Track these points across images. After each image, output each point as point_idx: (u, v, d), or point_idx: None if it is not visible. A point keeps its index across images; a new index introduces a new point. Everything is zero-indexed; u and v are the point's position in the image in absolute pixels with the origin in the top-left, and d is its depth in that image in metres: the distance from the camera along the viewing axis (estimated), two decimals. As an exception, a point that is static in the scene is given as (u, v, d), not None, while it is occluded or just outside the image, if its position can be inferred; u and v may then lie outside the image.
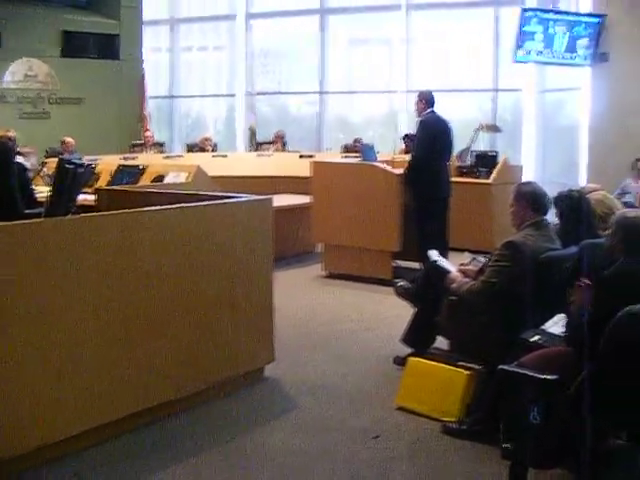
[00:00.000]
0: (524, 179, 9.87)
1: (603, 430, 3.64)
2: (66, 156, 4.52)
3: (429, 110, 8.04)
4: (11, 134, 8.05)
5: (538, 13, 10.42)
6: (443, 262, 5.26)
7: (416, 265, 7.99)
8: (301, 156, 11.66)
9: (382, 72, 14.68)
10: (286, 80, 16.19)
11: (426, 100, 8.09)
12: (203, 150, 12.48)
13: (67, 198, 4.22)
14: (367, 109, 14.88)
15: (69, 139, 11.94)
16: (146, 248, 4.31)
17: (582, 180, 10.27)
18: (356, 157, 10.05)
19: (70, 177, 4.22)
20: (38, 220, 3.99)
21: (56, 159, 10.31)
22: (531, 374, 3.45)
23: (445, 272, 5.06)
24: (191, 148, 12.86)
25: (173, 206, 4.57)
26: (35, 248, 3.77)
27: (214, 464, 4.04)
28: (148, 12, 15.27)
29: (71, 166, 4.20)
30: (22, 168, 6.82)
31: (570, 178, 10.53)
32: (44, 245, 3.81)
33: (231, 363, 4.92)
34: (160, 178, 8.13)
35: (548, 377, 3.37)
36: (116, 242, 4.14)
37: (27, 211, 6.34)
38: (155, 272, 4.36)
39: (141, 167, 8.48)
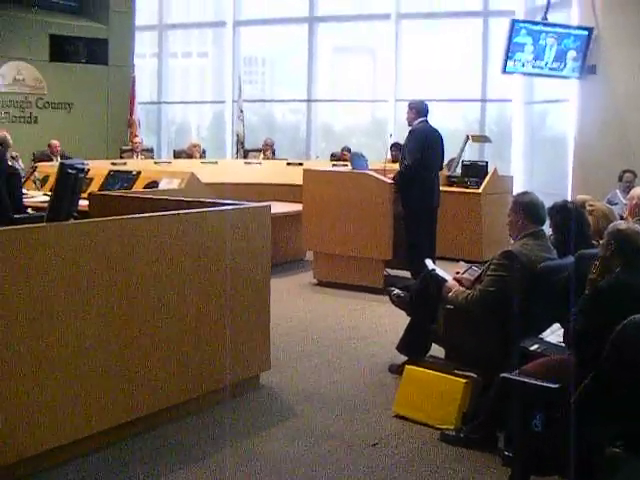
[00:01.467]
0: (514, 189, 9.95)
1: (602, 439, 3.68)
2: (67, 160, 4.51)
3: (420, 119, 8.09)
4: (6, 135, 7.68)
5: (528, 25, 10.50)
6: (439, 271, 5.29)
7: (406, 274, 8.03)
8: (289, 164, 11.71)
9: (367, 81, 14.77)
10: (271, 88, 16.25)
11: (417, 109, 8.14)
12: (190, 157, 12.48)
13: (69, 203, 4.21)
14: (350, 118, 14.95)
15: (54, 141, 11.99)
16: (148, 254, 4.30)
17: (570, 191, 10.35)
18: (344, 165, 10.09)
19: (71, 182, 4.22)
20: (40, 225, 3.97)
21: (47, 163, 10.38)
22: (533, 382, 3.48)
23: (442, 281, 5.09)
24: (179, 154, 12.85)
25: (175, 212, 4.56)
26: (37, 253, 3.74)
27: (211, 473, 4.02)
28: (137, 18, 15.29)
29: (73, 171, 4.19)
30: (14, 172, 6.79)
31: (558, 189, 10.61)
32: (46, 250, 3.78)
33: (227, 371, 4.90)
34: (153, 184, 8.12)
35: (550, 385, 3.40)
36: (118, 248, 4.12)
37: (17, 216, 6.32)
38: (155, 278, 4.36)
39: (134, 172, 8.47)
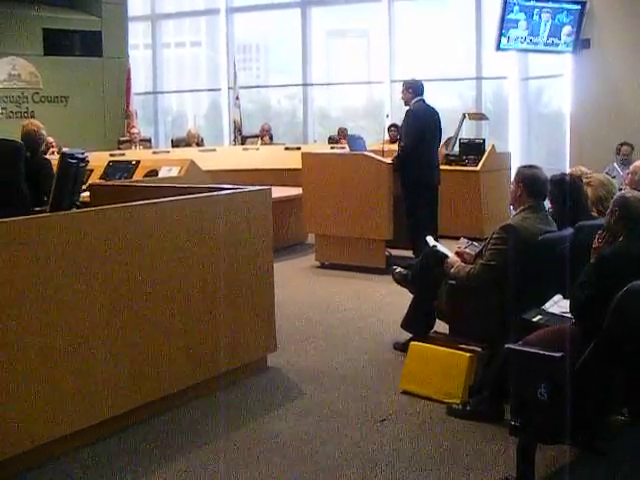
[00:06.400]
0: (512, 166, 9.97)
1: (606, 406, 3.73)
2: (68, 150, 4.52)
3: (417, 99, 8.09)
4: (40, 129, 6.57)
5: (520, 1, 10.49)
6: (441, 247, 5.33)
7: (408, 253, 8.07)
8: (287, 148, 11.72)
9: (362, 63, 14.75)
10: (266, 74, 16.23)
11: (413, 89, 8.14)
12: (189, 145, 12.50)
13: (71, 192, 4.25)
14: (346, 101, 14.94)
15: (50, 139, 11.92)
16: (152, 241, 4.34)
17: (568, 166, 10.37)
18: (342, 148, 10.11)
19: (73, 171, 4.25)
20: (44, 215, 4.01)
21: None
22: (537, 352, 3.51)
23: (443, 257, 5.13)
24: (177, 143, 12.86)
25: (178, 198, 4.60)
26: (41, 243, 3.78)
27: (222, 453, 4.07)
28: (129, 9, 15.28)
29: (74, 160, 4.23)
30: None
31: (556, 164, 10.62)
32: (50, 240, 3.82)
33: (234, 353, 4.96)
34: (153, 173, 8.15)
35: (554, 354, 3.42)
36: (122, 235, 4.16)
37: (37, 208, 6.30)
38: (160, 264, 4.40)
39: (134, 162, 8.49)
